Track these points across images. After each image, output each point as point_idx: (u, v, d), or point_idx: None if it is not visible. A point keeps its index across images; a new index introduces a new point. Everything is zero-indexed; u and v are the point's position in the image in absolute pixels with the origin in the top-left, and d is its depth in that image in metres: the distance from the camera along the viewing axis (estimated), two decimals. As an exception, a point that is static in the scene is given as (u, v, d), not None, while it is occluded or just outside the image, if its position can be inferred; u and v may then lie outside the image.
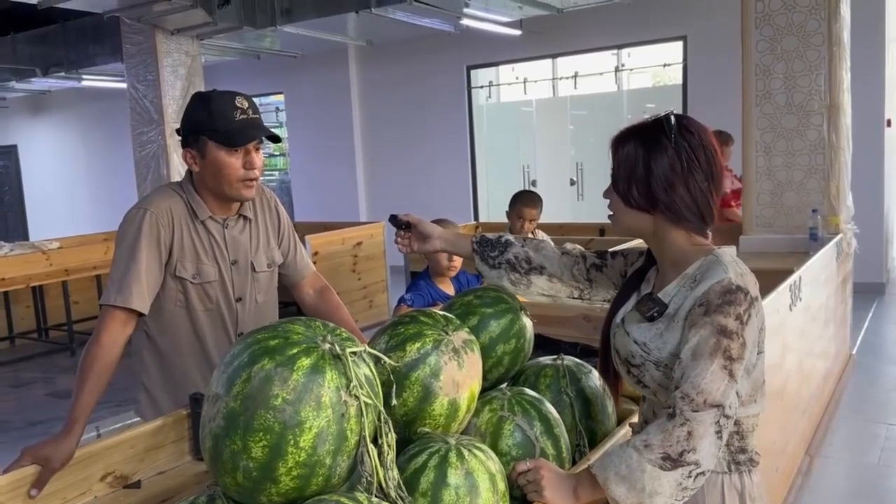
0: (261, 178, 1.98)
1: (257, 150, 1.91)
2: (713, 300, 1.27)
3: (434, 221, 1.81)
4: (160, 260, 1.89)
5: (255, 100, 1.96)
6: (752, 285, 1.33)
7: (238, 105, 1.86)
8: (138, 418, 2.09)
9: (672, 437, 1.23)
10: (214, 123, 1.84)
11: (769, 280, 1.44)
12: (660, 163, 1.33)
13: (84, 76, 9.08)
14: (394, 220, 1.71)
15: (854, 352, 5.11)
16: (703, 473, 1.24)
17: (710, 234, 1.42)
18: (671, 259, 1.40)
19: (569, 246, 1.68)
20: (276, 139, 1.95)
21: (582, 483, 1.31)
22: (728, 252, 1.37)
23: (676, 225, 1.37)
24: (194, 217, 1.95)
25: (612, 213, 1.44)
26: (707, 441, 1.23)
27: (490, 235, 1.69)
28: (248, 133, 1.86)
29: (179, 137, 1.94)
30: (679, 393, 1.25)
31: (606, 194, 1.44)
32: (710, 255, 1.35)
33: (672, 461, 1.22)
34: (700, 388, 1.23)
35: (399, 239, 1.71)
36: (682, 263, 1.37)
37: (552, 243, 1.69)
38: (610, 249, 1.66)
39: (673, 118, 1.36)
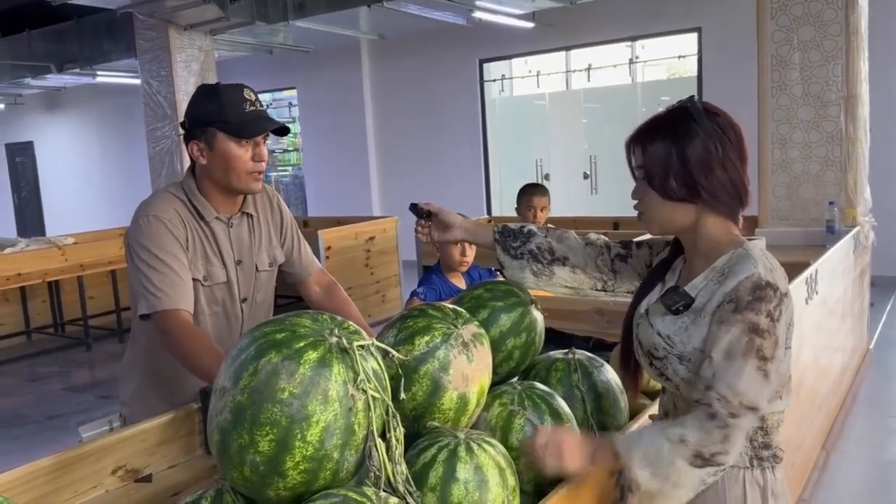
0: (274, 174, 1.96)
1: (264, 143, 1.89)
2: (743, 297, 1.25)
3: None
4: (186, 259, 1.86)
5: (267, 95, 1.95)
6: (782, 280, 1.30)
7: (247, 97, 1.84)
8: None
9: (709, 437, 1.23)
10: (225, 115, 1.81)
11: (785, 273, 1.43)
12: (693, 149, 1.31)
13: (98, 72, 9.14)
14: (414, 208, 1.68)
15: (871, 346, 5.05)
16: (723, 469, 1.27)
17: (741, 218, 1.39)
18: (703, 250, 1.37)
19: (593, 236, 1.64)
20: (285, 130, 1.93)
21: (601, 451, 1.31)
22: (758, 245, 1.34)
23: (715, 211, 1.35)
24: (200, 219, 1.92)
25: (642, 211, 1.40)
26: (739, 445, 1.26)
27: (512, 225, 1.66)
28: (260, 124, 1.84)
29: (183, 131, 1.91)
30: (714, 394, 1.24)
31: (635, 194, 1.40)
32: (739, 249, 1.32)
33: (703, 460, 1.23)
34: (737, 390, 1.23)
35: (419, 228, 1.69)
36: (712, 255, 1.35)
37: (575, 234, 1.66)
38: (635, 239, 1.62)
39: (699, 103, 1.34)
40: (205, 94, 1.88)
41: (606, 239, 1.64)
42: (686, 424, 1.25)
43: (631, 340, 1.47)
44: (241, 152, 1.85)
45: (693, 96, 1.37)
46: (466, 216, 1.75)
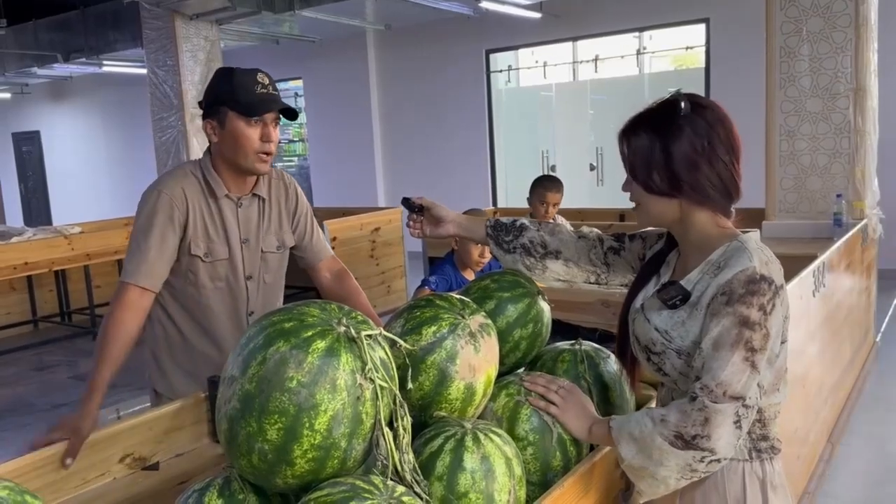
0: (280, 165, 2.00)
1: (275, 126, 1.98)
2: (736, 290, 1.25)
3: (465, 212, 1.77)
4: (174, 239, 1.96)
5: (273, 85, 1.99)
6: (777, 273, 1.30)
7: (259, 80, 1.94)
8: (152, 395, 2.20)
9: (688, 419, 1.23)
10: (236, 95, 1.91)
11: (792, 266, 1.42)
12: (678, 146, 1.30)
13: (104, 62, 9.14)
14: (406, 202, 1.68)
15: (878, 339, 5.04)
16: (717, 461, 1.25)
17: (733, 211, 1.39)
18: (695, 244, 1.37)
19: (585, 229, 1.65)
20: (293, 113, 2.00)
21: (599, 426, 1.39)
22: (753, 238, 1.34)
23: (702, 206, 1.34)
24: (210, 196, 2.01)
25: (635, 204, 1.41)
26: (724, 430, 1.23)
27: (505, 219, 1.67)
28: (267, 104, 1.93)
29: (201, 111, 2.01)
30: (699, 384, 1.24)
31: (626, 187, 1.41)
32: (734, 242, 1.32)
33: (683, 442, 1.23)
34: (720, 380, 1.22)
35: (411, 223, 1.69)
36: (705, 248, 1.35)
37: (569, 227, 1.67)
38: (628, 232, 1.62)
39: (684, 97, 1.33)
40: (220, 75, 2.00)
41: (599, 232, 1.65)
42: (670, 406, 1.28)
43: (627, 334, 1.48)
44: (249, 132, 1.93)
45: (679, 90, 1.35)
46: (480, 210, 1.75)
